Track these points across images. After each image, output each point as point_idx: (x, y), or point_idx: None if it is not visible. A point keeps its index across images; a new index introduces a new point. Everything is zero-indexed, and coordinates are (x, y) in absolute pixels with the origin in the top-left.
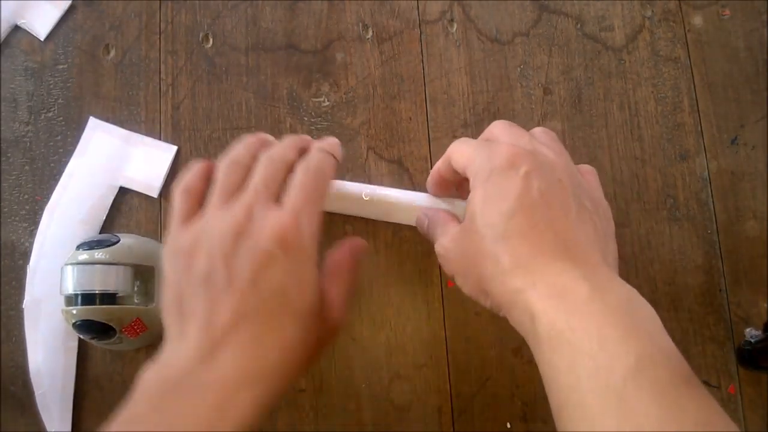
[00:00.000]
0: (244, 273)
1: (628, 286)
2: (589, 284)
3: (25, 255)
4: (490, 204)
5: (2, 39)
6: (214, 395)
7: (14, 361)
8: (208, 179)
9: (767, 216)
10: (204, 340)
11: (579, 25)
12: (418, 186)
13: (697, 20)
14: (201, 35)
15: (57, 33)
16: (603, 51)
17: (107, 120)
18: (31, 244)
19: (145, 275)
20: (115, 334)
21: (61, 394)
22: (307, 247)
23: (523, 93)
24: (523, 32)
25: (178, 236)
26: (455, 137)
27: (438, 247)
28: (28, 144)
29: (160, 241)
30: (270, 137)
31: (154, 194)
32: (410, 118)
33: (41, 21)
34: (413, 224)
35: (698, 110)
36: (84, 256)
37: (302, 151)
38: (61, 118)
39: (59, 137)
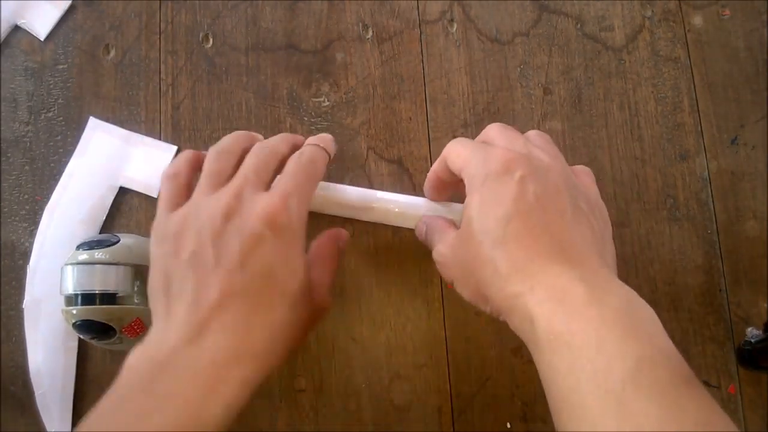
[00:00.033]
0: (232, 253)
1: (627, 287)
2: (587, 286)
3: (25, 255)
4: (486, 209)
5: (2, 39)
6: (203, 375)
7: (14, 361)
8: (196, 168)
9: (767, 216)
10: (192, 320)
11: (579, 25)
12: (418, 186)
13: (697, 20)
14: (201, 35)
15: (57, 33)
16: (603, 51)
17: (107, 120)
18: (31, 244)
19: (145, 275)
20: (115, 334)
21: (61, 394)
22: (296, 230)
23: (523, 93)
24: (523, 32)
25: (165, 220)
26: (455, 137)
27: (436, 255)
28: (28, 144)
29: None
30: (259, 135)
31: (154, 194)
32: (410, 118)
33: (41, 21)
34: (412, 227)
35: (698, 110)
36: (84, 256)
37: (294, 148)
38: (61, 118)
39: (59, 137)
